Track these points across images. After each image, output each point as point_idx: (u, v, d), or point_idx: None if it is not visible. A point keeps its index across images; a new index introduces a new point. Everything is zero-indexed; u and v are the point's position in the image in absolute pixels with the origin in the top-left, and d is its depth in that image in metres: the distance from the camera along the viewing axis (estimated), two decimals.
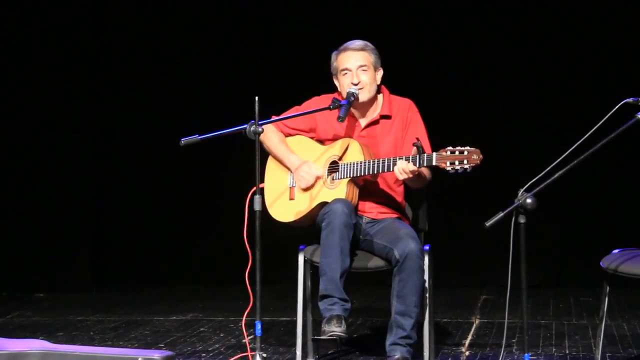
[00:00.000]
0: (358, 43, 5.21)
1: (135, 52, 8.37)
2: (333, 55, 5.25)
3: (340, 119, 5.00)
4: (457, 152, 4.78)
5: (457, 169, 4.77)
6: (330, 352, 5.50)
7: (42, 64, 8.19)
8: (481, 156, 4.76)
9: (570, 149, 4.22)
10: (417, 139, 4.90)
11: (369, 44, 5.22)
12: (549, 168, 4.17)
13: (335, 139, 5.23)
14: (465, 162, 4.76)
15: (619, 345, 5.67)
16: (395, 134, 5.19)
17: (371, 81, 5.17)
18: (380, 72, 5.23)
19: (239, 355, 5.31)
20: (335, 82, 5.26)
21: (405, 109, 5.23)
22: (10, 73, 8.21)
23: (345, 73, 5.17)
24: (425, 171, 5.02)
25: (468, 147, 4.78)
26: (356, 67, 5.15)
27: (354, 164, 5.06)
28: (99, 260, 8.40)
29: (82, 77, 8.25)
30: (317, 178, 5.15)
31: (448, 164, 4.78)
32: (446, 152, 4.80)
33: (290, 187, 5.24)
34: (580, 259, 7.65)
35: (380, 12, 8.02)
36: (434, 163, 4.81)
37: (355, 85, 5.13)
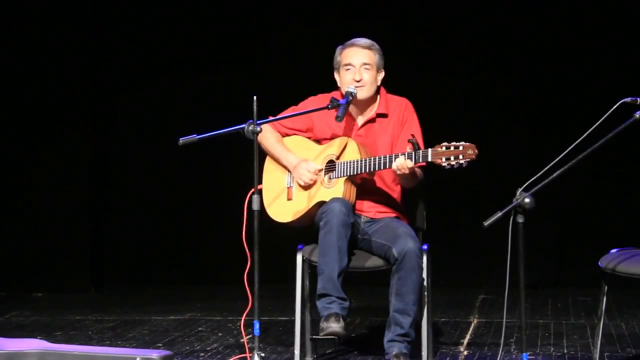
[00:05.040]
0: (365, 41, 5.21)
1: (134, 52, 8.36)
2: (338, 49, 5.24)
3: (339, 118, 4.99)
4: (452, 148, 4.78)
5: (453, 164, 4.77)
6: (328, 351, 5.50)
7: (41, 65, 8.18)
8: (476, 151, 4.76)
9: (569, 149, 4.22)
10: (413, 135, 4.90)
11: (375, 44, 5.22)
12: (547, 167, 4.17)
13: (332, 138, 5.23)
14: (461, 157, 4.76)
15: (617, 345, 5.67)
16: (392, 133, 5.19)
17: (372, 81, 5.17)
18: (382, 74, 5.23)
19: (237, 356, 5.31)
20: (336, 76, 5.25)
21: (402, 108, 5.23)
22: (10, 74, 8.21)
23: (348, 68, 5.17)
24: (418, 170, 5.03)
25: (463, 143, 4.78)
26: (360, 64, 5.15)
27: (350, 162, 5.06)
28: (98, 259, 8.40)
29: (81, 77, 8.24)
30: (317, 173, 5.14)
31: (443, 159, 4.78)
32: (441, 147, 4.80)
33: (287, 187, 5.24)
34: (578, 259, 7.65)
35: (380, 11, 8.01)
36: (429, 159, 4.82)
37: (357, 82, 5.12)
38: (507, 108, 7.95)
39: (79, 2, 8.21)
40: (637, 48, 7.70)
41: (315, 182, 5.17)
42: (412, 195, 5.30)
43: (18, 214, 8.26)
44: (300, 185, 5.19)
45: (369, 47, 5.19)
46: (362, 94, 5.15)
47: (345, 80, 5.17)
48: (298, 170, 5.18)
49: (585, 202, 7.84)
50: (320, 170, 5.16)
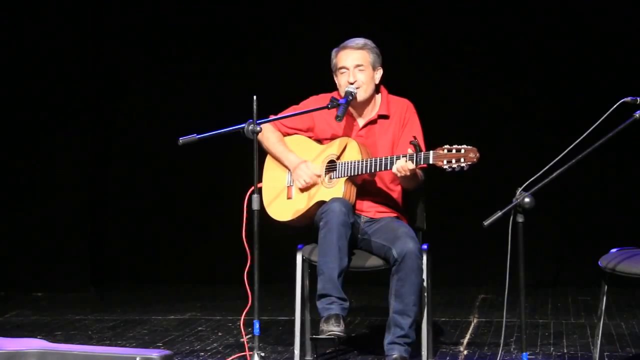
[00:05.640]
0: (358, 41, 5.20)
1: (134, 52, 8.36)
2: (333, 53, 5.24)
3: (339, 118, 4.99)
4: (454, 151, 4.78)
5: (454, 167, 4.77)
6: (328, 351, 5.49)
7: (41, 65, 8.18)
8: (478, 154, 4.76)
9: (569, 148, 4.22)
10: (414, 137, 4.90)
11: (369, 42, 5.20)
12: (547, 167, 4.18)
13: (333, 138, 5.23)
14: (462, 160, 4.76)
15: (617, 345, 5.67)
16: (393, 134, 5.19)
17: (368, 81, 5.16)
18: (380, 72, 5.21)
19: (237, 355, 5.32)
20: (335, 79, 5.25)
21: (403, 109, 5.23)
22: (10, 74, 8.21)
23: (343, 72, 5.16)
24: (419, 172, 5.03)
25: (465, 146, 4.78)
26: (353, 66, 5.14)
27: (351, 163, 5.06)
28: (97, 259, 8.40)
29: (81, 77, 8.24)
30: (316, 177, 5.14)
31: (445, 162, 4.78)
32: (443, 150, 4.80)
33: (288, 186, 5.24)
34: (578, 258, 7.65)
35: (380, 11, 8.01)
36: (431, 161, 4.81)
37: (351, 84, 5.12)
38: (508, 108, 7.95)
39: (80, 1, 8.21)
40: (637, 48, 7.70)
41: (312, 185, 5.16)
42: (412, 195, 5.30)
43: (18, 213, 8.26)
44: (298, 187, 5.19)
45: (361, 48, 5.18)
46: (360, 95, 5.14)
47: (341, 83, 5.17)
48: (297, 172, 5.18)
49: (585, 202, 7.84)
50: (319, 176, 5.16)
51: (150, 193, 8.40)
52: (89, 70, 8.29)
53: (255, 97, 4.77)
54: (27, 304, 7.57)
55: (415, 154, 4.85)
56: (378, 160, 4.98)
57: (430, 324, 5.15)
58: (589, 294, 7.17)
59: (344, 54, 5.18)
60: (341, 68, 5.17)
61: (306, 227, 5.21)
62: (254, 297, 4.75)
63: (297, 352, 5.18)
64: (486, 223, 4.12)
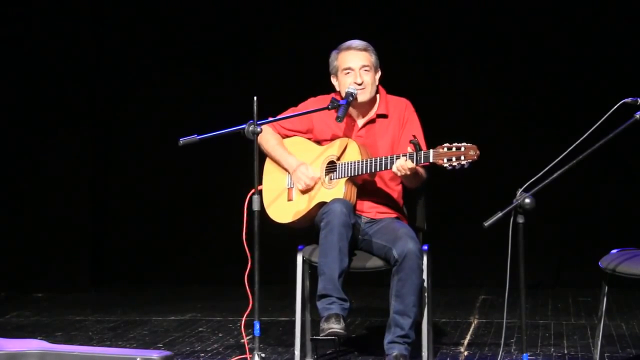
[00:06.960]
0: (360, 43, 5.20)
1: (134, 52, 8.36)
2: (333, 54, 5.23)
3: (339, 119, 4.99)
4: (454, 149, 4.78)
5: (455, 165, 4.77)
6: (328, 352, 5.49)
7: (41, 65, 8.18)
8: (478, 152, 4.77)
9: (569, 149, 4.22)
10: (414, 136, 4.90)
11: (369, 44, 5.21)
12: (547, 168, 4.18)
13: (332, 139, 5.23)
14: (462, 157, 4.76)
15: (617, 345, 5.67)
16: (393, 133, 5.19)
17: (372, 82, 5.17)
18: (379, 74, 5.23)
19: (238, 357, 5.31)
20: (334, 81, 5.24)
21: (402, 108, 5.23)
22: (10, 74, 8.21)
23: (348, 72, 5.15)
24: (421, 170, 5.03)
25: (465, 143, 4.78)
26: (359, 66, 5.14)
27: (351, 163, 5.06)
28: (98, 260, 8.40)
29: (82, 77, 8.25)
30: (315, 180, 5.14)
31: (445, 160, 4.78)
32: (443, 148, 4.80)
33: (288, 188, 5.24)
34: (578, 259, 7.65)
35: (380, 11, 8.01)
36: (431, 160, 4.82)
37: (359, 85, 5.12)
38: (508, 108, 7.95)
39: (80, 1, 8.21)
40: (637, 48, 7.70)
41: (312, 188, 5.16)
42: (412, 195, 5.30)
43: (18, 213, 8.26)
44: (298, 189, 5.19)
45: (365, 49, 5.19)
46: (364, 96, 5.15)
47: (345, 83, 5.15)
48: (297, 174, 5.18)
49: (585, 202, 7.84)
50: (319, 178, 5.16)
51: (150, 193, 8.40)
52: (90, 71, 8.29)
53: (255, 98, 4.76)
54: (27, 305, 7.57)
55: (415, 153, 4.86)
56: (378, 160, 4.99)
57: (430, 324, 5.15)
58: (590, 294, 7.16)
59: (349, 54, 5.18)
60: (346, 69, 5.16)
61: (306, 228, 5.21)
62: (254, 298, 4.75)
63: (297, 353, 5.17)
64: (486, 224, 4.12)
